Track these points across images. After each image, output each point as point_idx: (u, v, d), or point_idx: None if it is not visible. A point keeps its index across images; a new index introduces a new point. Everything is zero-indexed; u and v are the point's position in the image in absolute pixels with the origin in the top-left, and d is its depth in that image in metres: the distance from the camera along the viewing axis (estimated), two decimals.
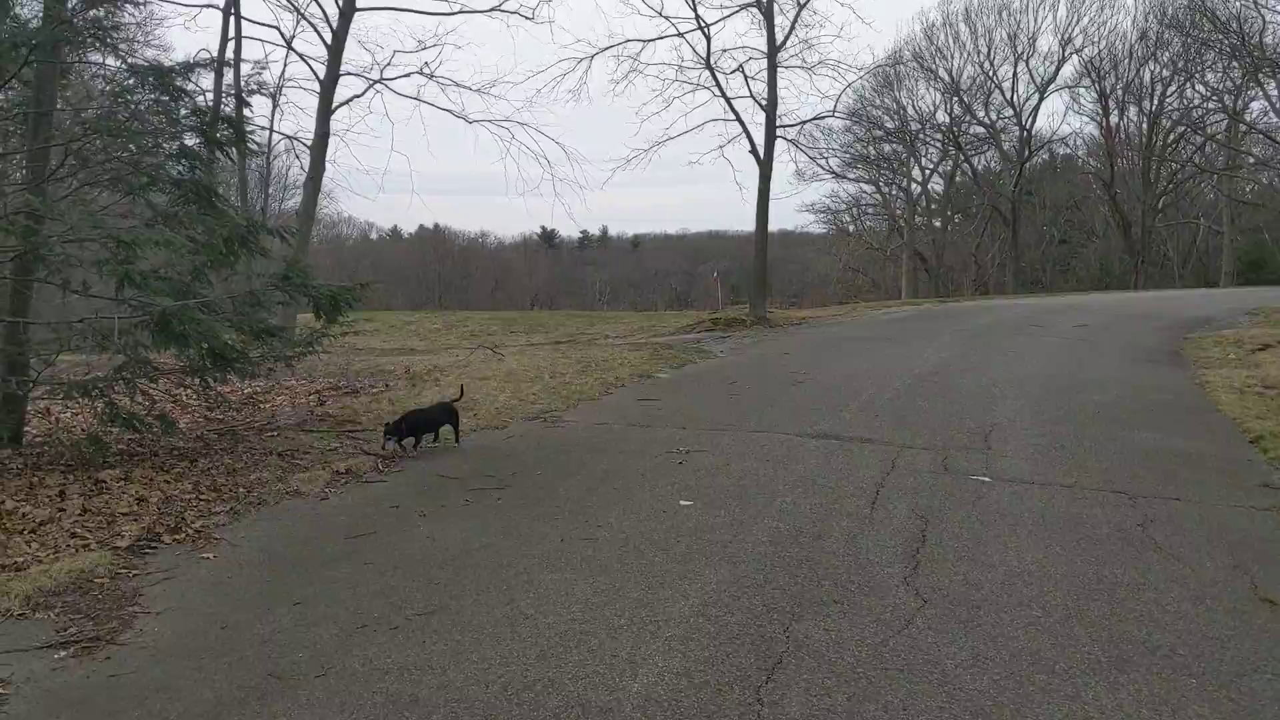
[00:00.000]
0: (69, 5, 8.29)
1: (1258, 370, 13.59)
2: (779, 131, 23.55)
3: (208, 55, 8.89)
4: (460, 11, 20.31)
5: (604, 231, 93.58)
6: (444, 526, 6.49)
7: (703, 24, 23.27)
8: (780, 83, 23.28)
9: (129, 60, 8.40)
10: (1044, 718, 3.79)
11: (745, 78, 23.77)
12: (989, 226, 57.27)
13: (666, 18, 25.78)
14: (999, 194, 53.58)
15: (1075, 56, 50.18)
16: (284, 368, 9.53)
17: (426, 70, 20.34)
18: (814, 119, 27.36)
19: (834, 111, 27.81)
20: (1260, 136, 47.79)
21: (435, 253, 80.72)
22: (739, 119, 23.67)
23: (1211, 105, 48.47)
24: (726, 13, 23.92)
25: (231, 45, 21.41)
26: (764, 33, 23.00)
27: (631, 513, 6.67)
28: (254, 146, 9.25)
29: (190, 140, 8.64)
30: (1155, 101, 50.60)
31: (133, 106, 8.30)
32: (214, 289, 8.75)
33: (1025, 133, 52.98)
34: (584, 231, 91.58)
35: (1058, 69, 50.52)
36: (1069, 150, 58.96)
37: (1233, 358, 15.12)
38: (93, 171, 9.04)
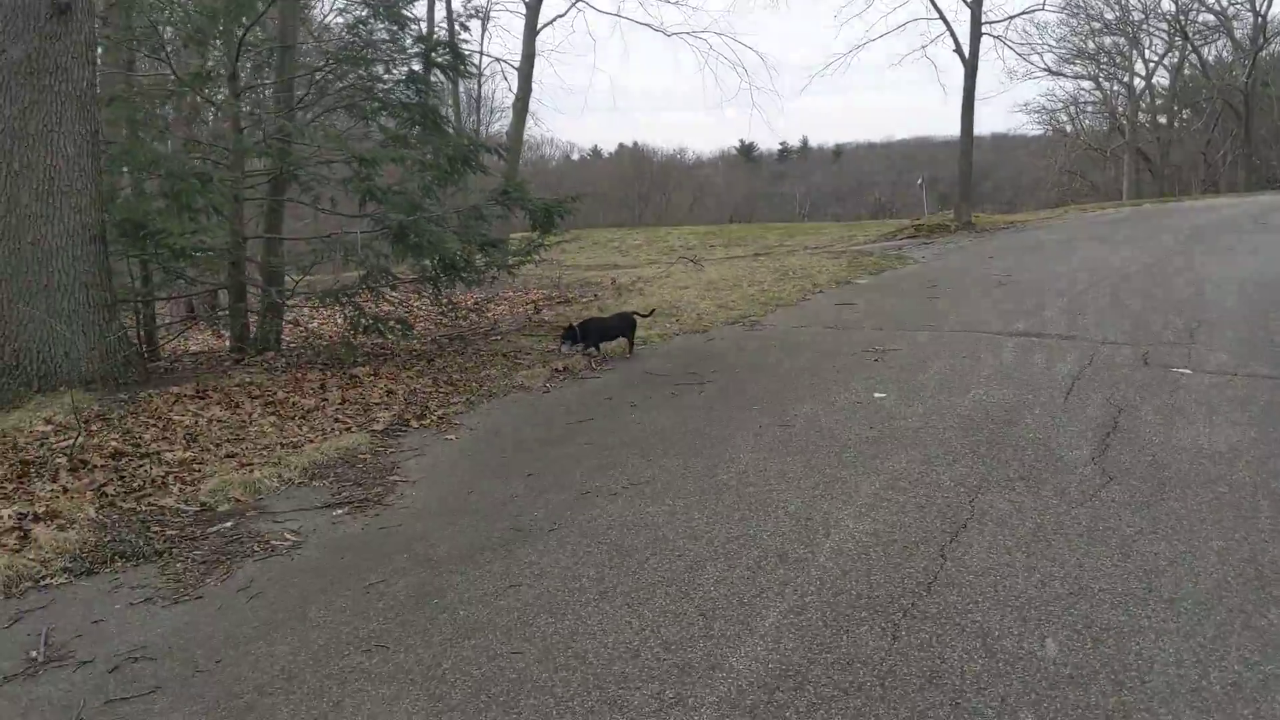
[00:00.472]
0: None
1: None
2: (985, 28, 22.80)
3: None
4: None
5: (804, 142, 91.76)
6: (653, 414, 7.10)
7: None
8: None
9: None
10: (1215, 573, 4.03)
11: None
12: (1220, 122, 53.16)
13: None
14: (1231, 86, 49.60)
15: None
16: (505, 276, 10.32)
17: None
18: (1023, 13, 26.27)
19: (1044, 4, 26.55)
20: None
21: (635, 170, 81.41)
22: (942, 16, 23.27)
23: None
24: None
25: None
26: None
27: (826, 404, 7.09)
28: (471, 69, 9.96)
29: (416, 66, 9.39)
30: None
31: (367, 36, 9.09)
32: (441, 204, 9.57)
33: (1260, 18, 48.63)
34: (783, 143, 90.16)
35: None
36: None
37: None
38: (330, 99, 9.99)
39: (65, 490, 5.43)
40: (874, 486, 5.27)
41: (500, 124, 42.49)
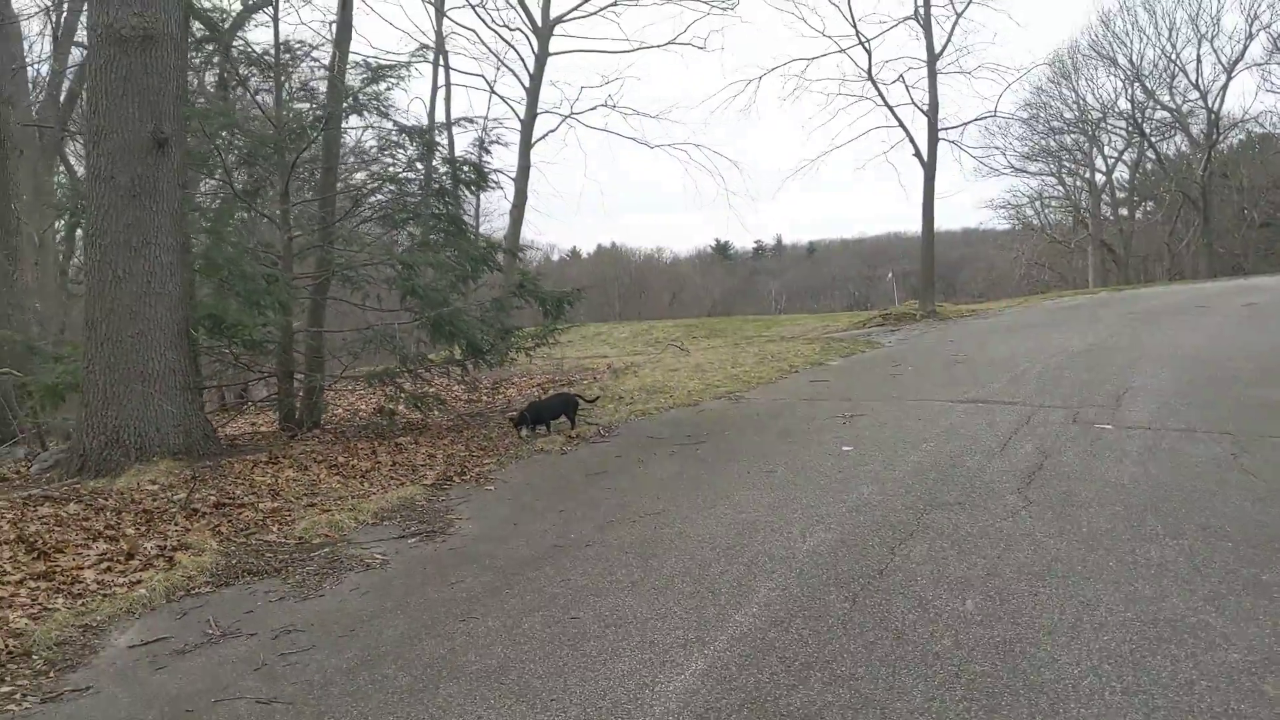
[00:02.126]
0: (350, 84, 10.72)
1: None
2: (941, 134, 24.78)
3: (467, 119, 11.15)
4: (640, 48, 22.97)
5: (778, 240, 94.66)
6: (658, 467, 8.45)
7: (863, 39, 24.96)
8: (940, 89, 24.55)
9: (396, 121, 10.72)
10: (1100, 561, 5.36)
11: (906, 86, 25.22)
12: (1180, 212, 55.70)
13: (829, 37, 27.61)
14: (1188, 179, 52.19)
15: (1264, 33, 48.59)
16: (516, 362, 11.73)
17: (610, 102, 22.77)
18: (975, 120, 28.67)
19: (994, 112, 28.85)
20: None
21: (614, 269, 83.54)
22: (901, 125, 25.09)
23: None
24: (885, 27, 25.84)
25: (442, 92, 24.25)
26: (923, 42, 24.34)
27: (803, 455, 8.46)
28: (491, 185, 11.51)
29: (445, 182, 10.94)
30: None
31: (404, 158, 10.65)
32: (464, 298, 11.02)
33: (1213, 115, 51.51)
34: (758, 241, 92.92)
35: (1245, 47, 49.04)
36: (1263, 129, 56.74)
37: None
38: (366, 210, 11.49)
39: (188, 530, 6.71)
40: (841, 510, 6.61)
41: (492, 226, 44.40)
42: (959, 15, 24.33)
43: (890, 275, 31.52)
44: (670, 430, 10.22)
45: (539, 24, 21.87)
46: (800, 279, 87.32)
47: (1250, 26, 48.45)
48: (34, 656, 4.83)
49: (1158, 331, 16.22)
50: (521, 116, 22.09)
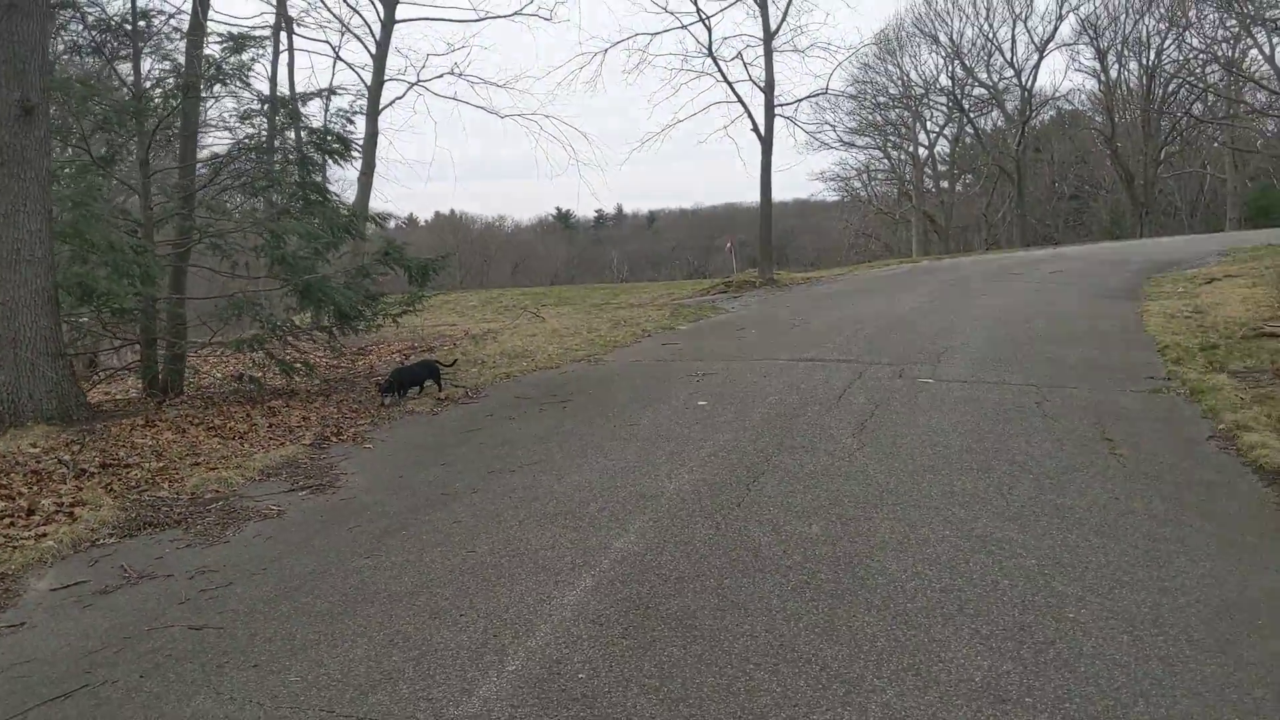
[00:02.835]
0: (212, 54, 10.83)
1: (1194, 300, 15.88)
2: (777, 110, 25.87)
3: (327, 90, 11.41)
4: (486, 17, 22.85)
5: (619, 210, 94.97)
6: (529, 424, 9.05)
7: (704, 16, 25.66)
8: (776, 66, 25.60)
9: (258, 91, 10.87)
10: (924, 492, 6.27)
11: (744, 64, 26.31)
12: (997, 185, 59.18)
13: (671, 12, 28.34)
14: (1004, 153, 55.52)
15: (1072, 15, 52.03)
16: (379, 330, 12.09)
17: (457, 70, 22.85)
18: (808, 97, 30.10)
19: (826, 90, 30.19)
20: (1263, 81, 49.37)
21: (454, 237, 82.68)
22: (741, 101, 26.08)
23: (1205, 57, 50.15)
24: (725, 5, 26.38)
25: (284, 58, 23.89)
26: (759, 21, 25.30)
27: (663, 410, 9.19)
28: (355, 154, 11.75)
29: (310, 152, 11.18)
30: (1153, 55, 52.32)
31: (268, 127, 10.84)
32: (330, 265, 11.31)
33: (1026, 92, 54.86)
34: (599, 210, 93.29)
35: (1056, 27, 52.88)
36: (1072, 106, 60.73)
37: (1181, 291, 17.33)
38: (225, 178, 11.62)
39: (80, 488, 6.95)
40: (701, 455, 7.37)
41: (340, 194, 43.62)
42: None
43: (728, 245, 32.62)
44: (536, 391, 10.81)
45: None
46: (641, 248, 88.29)
47: (1061, 8, 51.88)
48: None
49: (973, 296, 17.68)
50: (368, 83, 22.08)
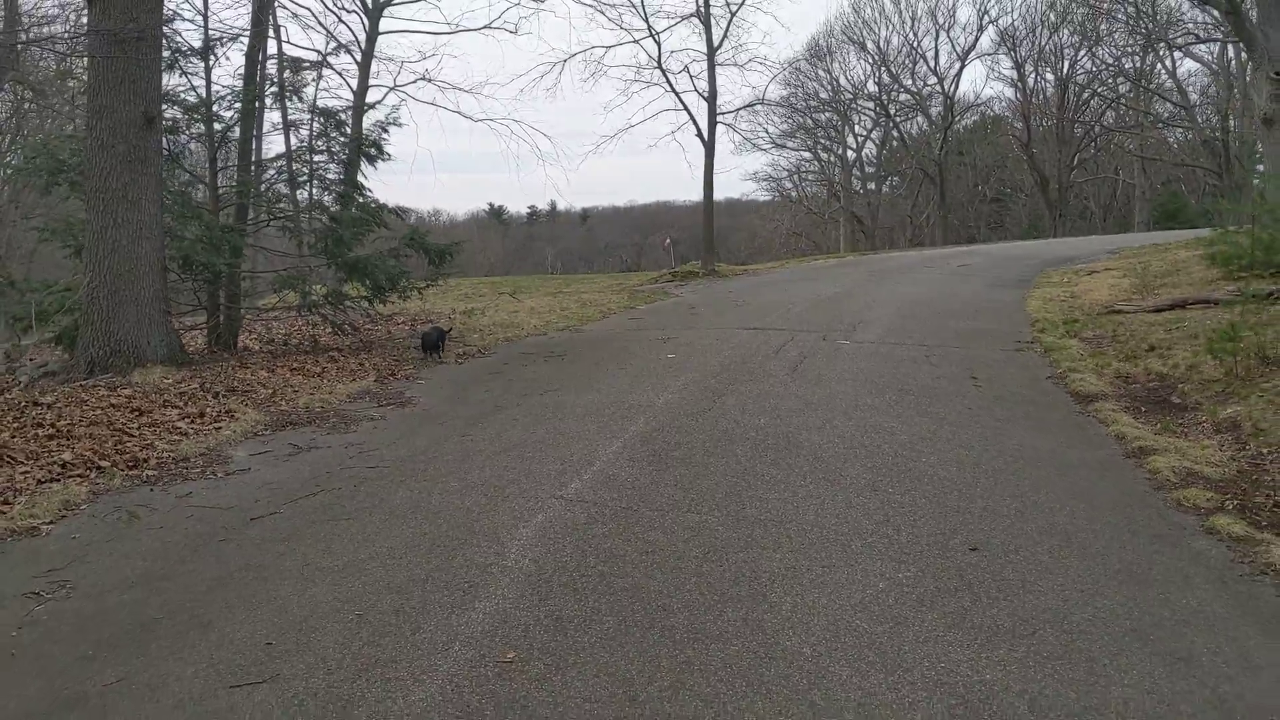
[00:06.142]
0: (268, 74, 13.28)
1: (1072, 288, 18.95)
2: (719, 118, 28.76)
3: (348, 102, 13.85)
4: (459, 31, 25.33)
5: (553, 206, 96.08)
6: (540, 369, 11.72)
7: (654, 32, 28.47)
8: (719, 78, 28.53)
9: (311, 104, 13.33)
10: (836, 404, 9.06)
11: (690, 76, 29.16)
12: (921, 188, 62.63)
13: (624, 28, 30.96)
14: (927, 157, 58.98)
15: (992, 26, 55.76)
16: (410, 299, 14.60)
17: (427, 76, 25.38)
18: (746, 106, 32.80)
19: (763, 100, 33.20)
20: (1166, 94, 53.45)
21: (393, 231, 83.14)
22: (686, 109, 28.96)
23: (1114, 69, 54.10)
24: (672, 22, 29.47)
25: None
26: (704, 38, 28.16)
27: (641, 360, 11.92)
28: (387, 157, 14.18)
29: (343, 154, 13.71)
30: (1067, 66, 56.19)
31: (318, 133, 13.36)
32: (364, 247, 13.84)
33: (948, 99, 58.57)
34: (532, 206, 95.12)
35: (977, 38, 56.35)
36: (992, 113, 64.48)
37: (1065, 281, 20.42)
38: (272, 174, 14.09)
39: (225, 403, 9.45)
40: (677, 385, 10.12)
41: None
42: (733, 15, 28.29)
43: (668, 241, 35.41)
44: (535, 349, 13.46)
45: (370, 5, 24.31)
46: (575, 245, 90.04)
47: (981, 20, 55.57)
48: (189, 461, 7.65)
49: (888, 284, 20.67)
50: (354, 88, 24.49)
